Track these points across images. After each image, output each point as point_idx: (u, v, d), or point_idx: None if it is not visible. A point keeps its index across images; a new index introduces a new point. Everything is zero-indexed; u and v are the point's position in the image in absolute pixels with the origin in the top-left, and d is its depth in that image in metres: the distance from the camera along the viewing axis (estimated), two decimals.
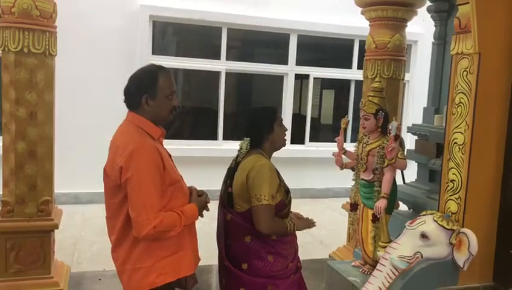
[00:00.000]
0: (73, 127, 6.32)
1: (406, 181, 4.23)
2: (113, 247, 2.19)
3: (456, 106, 2.80)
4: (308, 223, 2.58)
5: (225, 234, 2.47)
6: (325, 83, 8.64)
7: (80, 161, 6.28)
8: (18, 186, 3.40)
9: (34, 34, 3.32)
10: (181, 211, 2.13)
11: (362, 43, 4.26)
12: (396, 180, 3.64)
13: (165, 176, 2.09)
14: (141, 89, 2.11)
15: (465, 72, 2.75)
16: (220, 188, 2.57)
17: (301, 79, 8.02)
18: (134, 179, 2.00)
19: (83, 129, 6.39)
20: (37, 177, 3.44)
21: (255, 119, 2.53)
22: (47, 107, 3.48)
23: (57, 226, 3.56)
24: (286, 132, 2.57)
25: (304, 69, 7.58)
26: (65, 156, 5.72)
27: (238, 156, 2.53)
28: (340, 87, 8.40)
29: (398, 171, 3.82)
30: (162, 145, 2.24)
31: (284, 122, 2.58)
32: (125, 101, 2.18)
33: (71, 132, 6.26)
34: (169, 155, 2.26)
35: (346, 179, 3.29)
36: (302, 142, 7.70)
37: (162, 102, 2.13)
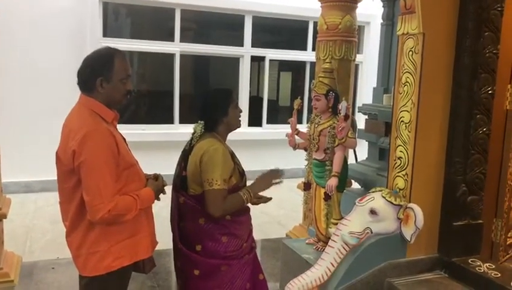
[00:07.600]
0: (22, 113, 6.09)
1: (358, 160, 4.35)
2: (68, 232, 2.15)
3: (403, 85, 2.88)
4: (269, 182, 2.51)
5: (178, 216, 2.46)
6: (282, 65, 8.67)
7: (30, 148, 6.06)
8: None
9: None
10: (136, 194, 2.11)
11: (316, 25, 4.29)
12: (349, 159, 3.74)
13: (120, 160, 2.06)
14: (96, 71, 2.06)
15: (410, 52, 2.82)
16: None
17: (258, 61, 8.01)
18: (87, 163, 1.96)
19: (32, 115, 6.16)
20: None
21: (209, 102, 2.48)
22: None
23: (5, 216, 3.42)
24: (241, 113, 2.54)
25: (259, 51, 7.56)
26: (14, 144, 5.51)
27: (192, 139, 2.50)
28: (297, 69, 8.45)
29: (351, 151, 3.92)
30: (116, 128, 2.20)
31: (240, 105, 2.57)
32: (78, 83, 2.12)
33: (19, 118, 6.04)
34: (124, 139, 2.23)
35: (303, 160, 3.35)
36: (259, 124, 7.72)
37: (117, 85, 2.09)
